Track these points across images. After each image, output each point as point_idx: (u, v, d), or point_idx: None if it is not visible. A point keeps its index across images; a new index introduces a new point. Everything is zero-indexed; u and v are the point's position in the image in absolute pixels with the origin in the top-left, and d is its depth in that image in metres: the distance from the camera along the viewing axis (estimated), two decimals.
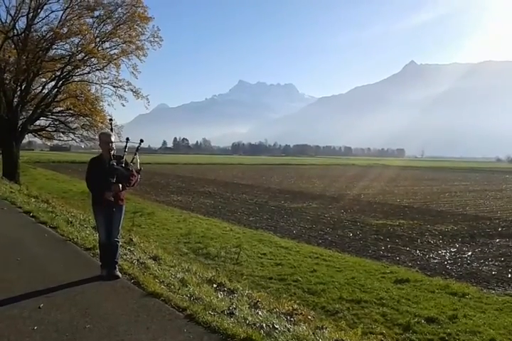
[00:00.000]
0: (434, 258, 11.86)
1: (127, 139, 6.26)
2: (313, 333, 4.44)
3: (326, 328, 4.84)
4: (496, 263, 11.42)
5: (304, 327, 4.63)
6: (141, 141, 6.41)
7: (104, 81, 27.05)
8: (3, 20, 25.00)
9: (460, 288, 8.72)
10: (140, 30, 26.00)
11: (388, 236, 14.84)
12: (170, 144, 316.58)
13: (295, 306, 5.55)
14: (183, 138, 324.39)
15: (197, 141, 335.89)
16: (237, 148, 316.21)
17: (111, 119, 6.83)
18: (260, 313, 4.92)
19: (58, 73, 26.31)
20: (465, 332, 6.63)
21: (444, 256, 12.22)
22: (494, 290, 9.11)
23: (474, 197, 30.09)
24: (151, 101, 28.67)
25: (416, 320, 6.97)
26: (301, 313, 5.29)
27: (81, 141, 30.27)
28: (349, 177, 53.59)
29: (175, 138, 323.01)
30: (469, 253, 12.62)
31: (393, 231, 15.88)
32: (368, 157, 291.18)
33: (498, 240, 14.67)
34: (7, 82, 25.50)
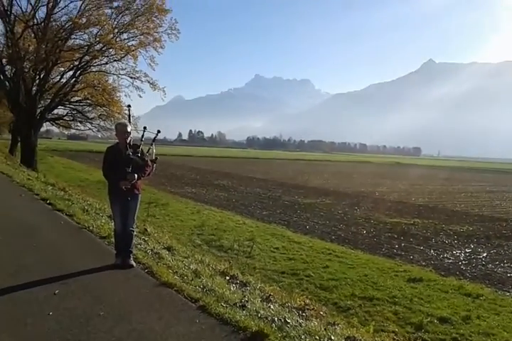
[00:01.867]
0: (449, 258, 11.75)
1: (144, 128, 6.26)
2: (324, 329, 4.41)
3: (337, 324, 4.80)
4: None
5: (316, 323, 4.60)
6: (158, 131, 6.40)
7: (121, 72, 27.19)
8: (24, 10, 25.24)
9: (474, 289, 8.64)
10: (158, 22, 26.05)
11: (402, 235, 14.73)
12: (185, 136, 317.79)
13: (307, 301, 5.52)
14: (199, 131, 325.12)
15: (212, 134, 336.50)
16: (251, 142, 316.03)
17: (129, 106, 6.81)
18: (272, 307, 4.90)
19: (76, 63, 26.51)
20: (478, 333, 6.58)
21: (459, 256, 12.10)
22: (509, 292, 9.02)
23: (491, 198, 29.72)
24: (168, 93, 28.79)
25: (428, 319, 6.93)
26: (313, 308, 5.25)
27: (98, 130, 30.55)
28: (364, 174, 53.29)
29: (190, 131, 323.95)
30: (484, 254, 12.48)
31: (407, 230, 15.76)
32: (384, 154, 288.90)
33: None
34: (26, 70, 25.76)
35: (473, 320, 7.09)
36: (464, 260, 11.66)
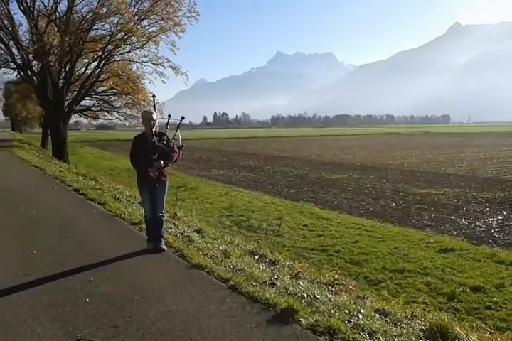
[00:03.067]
0: (481, 227, 11.61)
1: (169, 116, 6.37)
2: (354, 303, 4.47)
3: (367, 298, 4.86)
4: None
5: (345, 297, 4.67)
6: (182, 118, 6.49)
7: (144, 59, 27.45)
8: (46, 4, 25.62)
9: (507, 257, 8.55)
10: (177, 5, 26.05)
11: (432, 206, 14.58)
12: (210, 119, 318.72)
13: (336, 276, 5.60)
14: (223, 113, 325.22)
15: (236, 115, 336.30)
16: (276, 121, 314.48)
17: (154, 96, 6.92)
18: (301, 284, 4.99)
19: (100, 53, 26.85)
20: None
21: (491, 224, 11.93)
22: None
23: None
24: (190, 76, 28.89)
25: (461, 289, 6.92)
26: (343, 283, 5.33)
27: (125, 119, 31.09)
28: (391, 146, 52.49)
29: (215, 113, 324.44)
30: None
31: (437, 200, 15.58)
32: (412, 125, 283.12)
33: None
34: (52, 64, 26.24)
35: (507, 287, 7.04)
36: (496, 227, 11.50)
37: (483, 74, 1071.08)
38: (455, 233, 10.92)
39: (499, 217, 12.67)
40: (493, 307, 6.37)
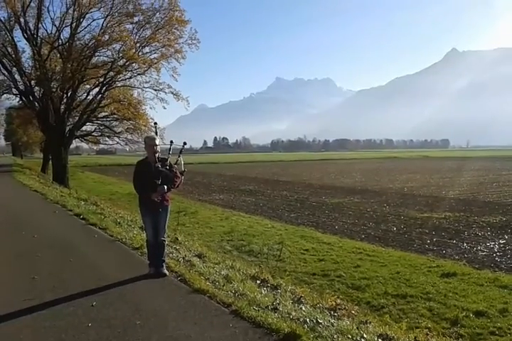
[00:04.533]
0: (482, 251, 11.57)
1: (171, 142, 6.47)
2: (357, 328, 4.47)
3: (370, 323, 4.85)
4: None
5: (348, 322, 4.67)
6: (184, 143, 6.59)
7: (145, 85, 27.86)
8: (49, 32, 26.19)
9: (510, 281, 8.51)
10: (178, 33, 26.61)
11: (434, 230, 14.56)
12: (210, 144, 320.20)
13: (338, 301, 5.59)
14: (223, 138, 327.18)
15: (236, 140, 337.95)
16: (276, 145, 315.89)
17: (155, 123, 7.07)
18: (304, 308, 4.99)
19: (102, 79, 27.25)
20: None
21: (493, 248, 11.89)
22: None
23: None
24: (191, 102, 29.27)
25: (464, 314, 6.87)
26: (345, 308, 5.32)
27: (126, 144, 31.26)
28: (391, 170, 52.64)
29: (215, 138, 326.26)
30: None
31: (439, 224, 15.56)
32: (411, 149, 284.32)
33: None
34: (54, 90, 26.63)
35: (511, 312, 6.98)
36: (498, 251, 11.46)
37: (480, 99, 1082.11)
38: (457, 257, 10.88)
39: (501, 241, 12.63)
40: (497, 332, 6.31)
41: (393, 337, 4.40)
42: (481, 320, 6.72)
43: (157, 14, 25.98)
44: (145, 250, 6.74)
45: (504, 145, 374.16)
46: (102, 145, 38.61)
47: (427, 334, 5.09)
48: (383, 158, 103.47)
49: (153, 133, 7.62)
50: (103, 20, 25.50)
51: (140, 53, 26.60)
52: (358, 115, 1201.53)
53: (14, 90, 27.56)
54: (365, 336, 4.23)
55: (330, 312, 5.06)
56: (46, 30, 26.25)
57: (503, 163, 69.74)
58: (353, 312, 5.30)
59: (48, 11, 25.52)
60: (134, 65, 26.68)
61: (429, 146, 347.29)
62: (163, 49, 26.84)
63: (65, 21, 25.49)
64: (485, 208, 19.31)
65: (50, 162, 32.97)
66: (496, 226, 15.05)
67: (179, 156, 6.40)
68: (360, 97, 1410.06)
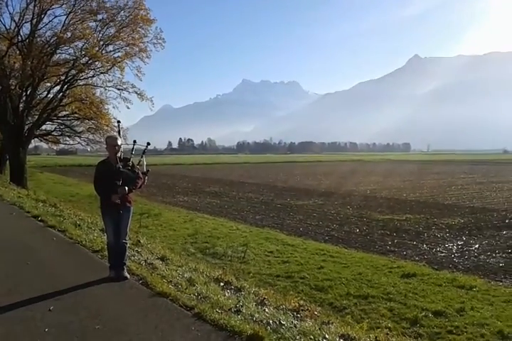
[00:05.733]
0: (441, 252, 11.89)
1: (134, 142, 6.35)
2: (319, 328, 4.49)
3: (332, 323, 4.89)
4: (504, 255, 11.44)
5: (310, 323, 4.69)
6: (148, 144, 6.50)
7: (108, 84, 27.19)
8: (8, 27, 25.21)
9: (467, 281, 8.76)
10: (143, 32, 26.11)
11: (395, 231, 14.88)
12: (175, 145, 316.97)
13: (301, 302, 5.61)
14: (188, 139, 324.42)
15: (202, 141, 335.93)
16: (242, 147, 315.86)
17: (119, 121, 6.92)
18: (267, 310, 4.98)
19: (63, 77, 26.49)
20: (472, 324, 6.68)
21: (451, 249, 12.25)
22: (502, 282, 9.14)
23: (481, 190, 30.01)
24: (156, 102, 28.82)
25: (423, 313, 7.03)
26: (308, 309, 5.34)
27: (87, 144, 30.49)
28: (355, 173, 53.54)
29: (180, 139, 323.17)
30: (476, 245, 12.64)
31: (400, 226, 15.91)
32: (374, 152, 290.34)
33: (505, 232, 14.67)
34: (13, 87, 25.70)
35: (468, 311, 7.19)
36: (456, 252, 11.81)
37: (441, 105, 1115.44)
38: (417, 258, 11.14)
39: (459, 243, 13.02)
40: (454, 331, 6.48)
41: (354, 337, 4.45)
42: (439, 319, 6.89)
43: (122, 12, 25.44)
44: (105, 253, 6.59)
45: (463, 150, 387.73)
46: (62, 145, 37.47)
47: (387, 334, 5.17)
48: (347, 161, 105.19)
49: (115, 133, 7.46)
50: (65, 17, 24.70)
51: (103, 51, 26.01)
52: (323, 118, 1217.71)
53: None
54: (327, 336, 4.27)
55: (293, 314, 5.07)
56: (4, 26, 25.22)
57: (461, 166, 72.08)
58: (316, 313, 5.33)
59: (7, 6, 24.47)
60: (97, 63, 26.05)
61: (391, 150, 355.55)
62: (128, 48, 26.33)
63: (25, 17, 24.56)
64: (444, 210, 19.87)
65: (8, 162, 31.82)
66: (454, 228, 15.51)
67: (142, 157, 6.29)
68: (326, 101, 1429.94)
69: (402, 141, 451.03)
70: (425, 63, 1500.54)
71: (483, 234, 14.28)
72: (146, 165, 6.34)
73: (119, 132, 6.98)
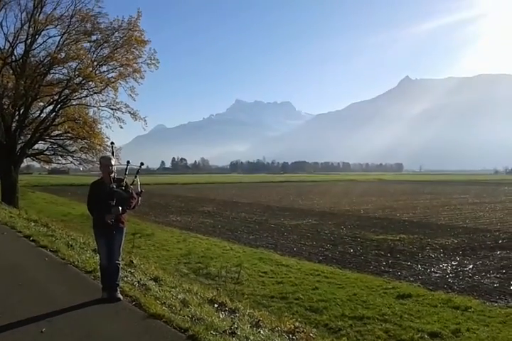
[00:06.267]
0: (436, 272, 11.85)
1: (128, 162, 6.36)
2: None
3: None
4: (498, 276, 11.43)
5: None
6: (142, 164, 6.52)
7: (101, 104, 27.26)
8: (1, 47, 25.39)
9: (462, 302, 8.72)
10: (137, 53, 26.33)
11: (389, 252, 14.84)
12: (168, 164, 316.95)
13: (297, 324, 5.56)
14: (181, 158, 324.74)
15: (195, 161, 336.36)
16: (235, 167, 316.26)
17: (112, 143, 6.95)
18: (262, 332, 4.92)
19: (56, 97, 26.56)
20: None
21: (446, 269, 12.22)
22: (497, 302, 9.10)
23: (474, 210, 30.12)
24: (149, 122, 28.87)
25: (419, 335, 6.96)
26: (303, 331, 5.29)
27: (79, 163, 30.33)
28: (348, 193, 53.64)
29: (173, 158, 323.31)
30: (470, 266, 12.62)
31: (394, 246, 15.88)
32: (366, 172, 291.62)
33: (499, 252, 14.68)
34: (5, 107, 25.69)
35: (463, 332, 7.14)
36: (450, 273, 11.78)
37: (432, 125, 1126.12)
38: (412, 279, 11.09)
39: (453, 263, 13.00)
40: None
41: None
42: (435, 340, 6.82)
43: (116, 33, 25.71)
44: (98, 274, 6.51)
45: (455, 170, 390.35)
46: (54, 165, 37.32)
47: None
48: (340, 181, 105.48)
49: (108, 153, 7.47)
50: (59, 37, 24.96)
51: (97, 72, 26.18)
52: (316, 138, 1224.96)
53: None
54: None
55: (288, 336, 5.02)
56: None
57: (453, 187, 72.48)
58: (311, 335, 5.29)
59: (1, 26, 24.78)
60: (90, 83, 26.18)
61: (383, 170, 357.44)
62: (122, 68, 26.52)
63: (19, 37, 24.81)
64: (438, 230, 19.89)
65: None
66: (448, 248, 15.50)
67: (136, 177, 6.28)
68: (319, 121, 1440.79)
69: (394, 161, 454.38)
70: (416, 84, 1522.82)
71: (477, 255, 14.28)
72: (140, 184, 6.33)
73: (112, 153, 6.99)
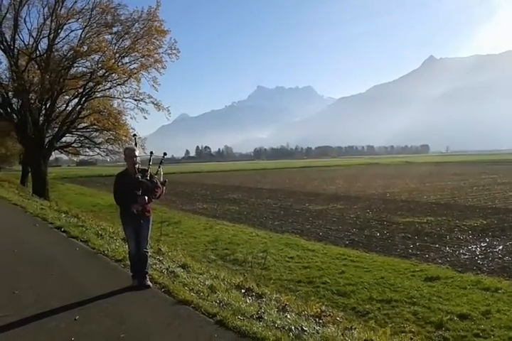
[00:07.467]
0: (465, 254, 11.71)
1: (151, 153, 6.44)
2: (342, 334, 4.47)
3: (355, 329, 4.86)
4: None
5: (333, 329, 4.67)
6: (165, 154, 6.60)
7: (125, 95, 27.54)
8: (26, 43, 25.87)
9: (492, 283, 8.62)
10: (158, 43, 26.43)
11: (416, 234, 14.70)
12: (193, 153, 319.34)
13: (323, 308, 5.59)
14: (206, 147, 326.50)
15: (219, 149, 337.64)
16: (259, 154, 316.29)
17: (135, 135, 7.04)
18: (289, 316, 4.97)
19: (81, 90, 26.96)
20: (499, 327, 6.57)
21: (475, 251, 12.05)
22: None
23: (503, 190, 29.48)
24: (172, 111, 29.09)
25: (448, 317, 6.93)
26: (330, 315, 5.32)
27: (106, 154, 30.89)
28: (373, 176, 53.11)
29: (197, 147, 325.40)
30: (500, 247, 12.43)
31: (421, 229, 15.71)
32: (392, 155, 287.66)
33: None
34: (32, 101, 26.26)
35: (494, 314, 7.08)
36: (480, 254, 11.62)
37: (458, 105, 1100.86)
38: (440, 261, 10.99)
39: (482, 244, 12.81)
40: (481, 334, 6.38)
41: None
42: (465, 322, 6.79)
43: (136, 24, 25.84)
44: (128, 262, 6.65)
45: (483, 150, 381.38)
46: (82, 157, 38.04)
47: (412, 339, 5.13)
48: (365, 164, 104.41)
49: (133, 144, 7.58)
50: (81, 31, 25.26)
51: (119, 63, 26.41)
52: (339, 122, 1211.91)
53: None
54: None
55: (315, 320, 5.06)
56: (23, 42, 25.94)
57: (482, 167, 70.94)
58: (338, 318, 5.31)
59: (25, 22, 25.22)
60: (113, 75, 26.44)
61: (409, 152, 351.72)
62: (143, 59, 26.69)
63: (43, 32, 25.21)
64: (466, 212, 19.57)
65: (30, 174, 32.43)
66: (477, 229, 15.26)
67: (159, 167, 6.37)
68: (341, 105, 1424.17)
69: (420, 143, 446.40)
70: (441, 63, 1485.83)
71: (506, 235, 14.02)
72: (163, 174, 6.41)
73: (135, 144, 7.09)
